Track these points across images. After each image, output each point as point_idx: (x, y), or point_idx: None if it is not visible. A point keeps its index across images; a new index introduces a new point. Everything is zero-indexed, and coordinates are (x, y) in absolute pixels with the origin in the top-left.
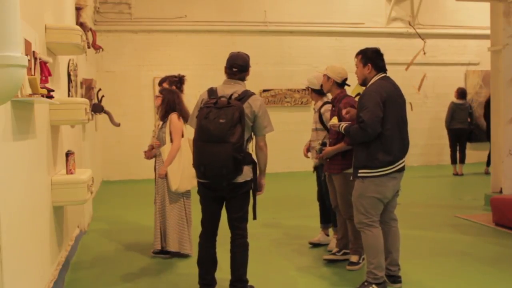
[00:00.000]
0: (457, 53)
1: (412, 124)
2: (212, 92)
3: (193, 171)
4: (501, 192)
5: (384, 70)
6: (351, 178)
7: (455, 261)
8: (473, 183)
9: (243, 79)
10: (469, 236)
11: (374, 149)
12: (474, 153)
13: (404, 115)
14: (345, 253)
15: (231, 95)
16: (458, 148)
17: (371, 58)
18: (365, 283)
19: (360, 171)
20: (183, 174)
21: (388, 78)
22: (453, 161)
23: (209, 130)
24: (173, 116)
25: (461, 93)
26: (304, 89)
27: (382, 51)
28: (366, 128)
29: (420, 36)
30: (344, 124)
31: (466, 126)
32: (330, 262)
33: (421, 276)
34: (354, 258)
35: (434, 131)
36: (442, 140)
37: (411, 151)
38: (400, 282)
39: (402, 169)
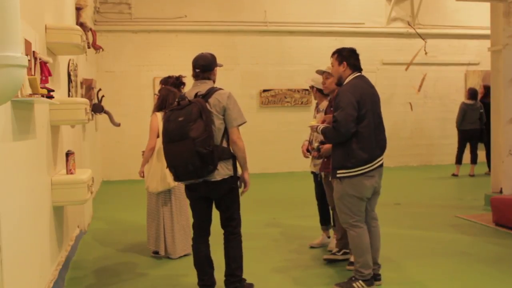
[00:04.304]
0: (457, 53)
1: (412, 124)
2: (181, 97)
3: (163, 173)
4: (501, 192)
5: (359, 70)
6: (330, 178)
7: (455, 261)
8: (473, 183)
9: (209, 78)
10: (469, 236)
11: (350, 149)
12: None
13: (379, 113)
14: (345, 253)
15: (196, 94)
16: (470, 149)
17: (346, 57)
18: (353, 278)
19: (338, 171)
20: (153, 174)
21: (363, 77)
22: (458, 162)
23: (169, 130)
24: (152, 116)
25: (472, 94)
26: (305, 89)
27: (382, 51)
28: (339, 128)
29: (420, 36)
30: (322, 126)
31: (478, 127)
32: (330, 262)
33: (421, 276)
34: (354, 258)
35: (434, 131)
36: (442, 140)
37: (411, 151)
38: (379, 279)
39: (380, 167)
